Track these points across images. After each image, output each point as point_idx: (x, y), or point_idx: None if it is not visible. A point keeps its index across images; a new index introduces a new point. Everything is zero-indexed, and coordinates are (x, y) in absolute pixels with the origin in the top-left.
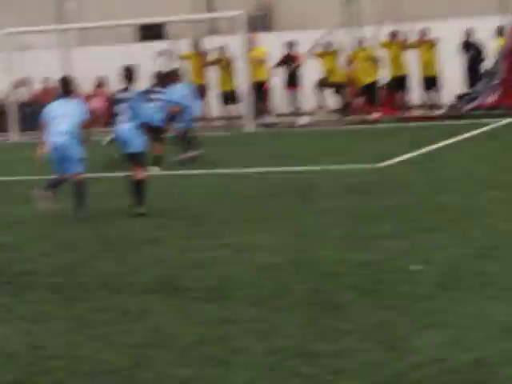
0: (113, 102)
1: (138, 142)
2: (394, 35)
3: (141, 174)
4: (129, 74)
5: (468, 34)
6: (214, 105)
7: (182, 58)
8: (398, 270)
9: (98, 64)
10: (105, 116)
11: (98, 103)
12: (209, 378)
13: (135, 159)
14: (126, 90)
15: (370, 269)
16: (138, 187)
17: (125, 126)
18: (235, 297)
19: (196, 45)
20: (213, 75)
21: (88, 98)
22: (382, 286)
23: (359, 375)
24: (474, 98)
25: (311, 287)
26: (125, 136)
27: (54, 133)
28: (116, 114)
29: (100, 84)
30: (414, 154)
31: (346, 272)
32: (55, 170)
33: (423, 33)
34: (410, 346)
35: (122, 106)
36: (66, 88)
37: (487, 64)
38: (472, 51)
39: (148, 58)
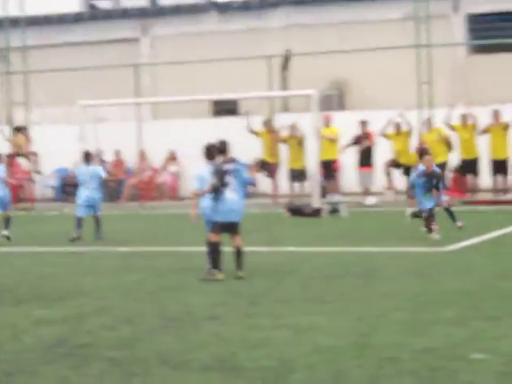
0: (219, 173)
1: (242, 212)
2: (465, 118)
3: (240, 241)
4: (223, 147)
5: None
6: (283, 182)
7: (255, 134)
8: (459, 358)
9: (170, 138)
10: (174, 189)
11: (168, 176)
12: None
13: (237, 228)
14: (229, 161)
15: (431, 355)
16: (238, 253)
17: (233, 196)
18: (293, 379)
19: (267, 123)
20: (284, 152)
21: (159, 170)
22: (441, 374)
23: None
24: None
25: (370, 372)
26: (234, 206)
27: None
28: (223, 185)
29: (171, 157)
30: (480, 238)
31: (406, 358)
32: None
33: (495, 116)
34: None
35: (228, 178)
36: (211, 154)
37: None
38: None
39: (220, 133)
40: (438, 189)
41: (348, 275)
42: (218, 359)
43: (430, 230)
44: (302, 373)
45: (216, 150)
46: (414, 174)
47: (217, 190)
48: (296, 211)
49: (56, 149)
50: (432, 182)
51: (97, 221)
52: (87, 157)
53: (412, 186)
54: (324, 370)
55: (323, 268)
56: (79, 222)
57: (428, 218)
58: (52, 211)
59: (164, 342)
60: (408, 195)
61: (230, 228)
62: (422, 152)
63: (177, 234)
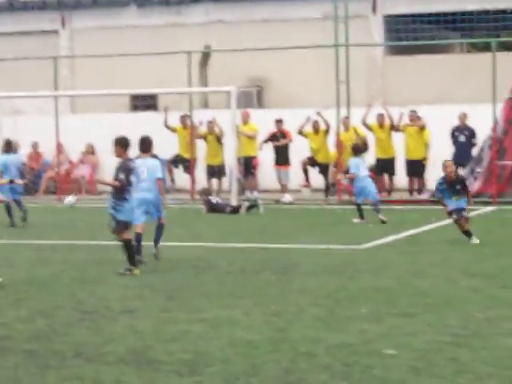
0: (127, 171)
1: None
2: (381, 118)
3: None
4: (146, 143)
5: (461, 118)
6: (200, 178)
7: (170, 129)
8: (373, 354)
9: (88, 131)
10: (91, 183)
11: (86, 170)
12: None
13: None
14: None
15: (345, 351)
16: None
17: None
18: (208, 372)
19: (183, 119)
20: (201, 148)
21: (76, 164)
22: (355, 369)
23: None
24: None
25: (284, 366)
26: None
27: (141, 188)
28: (129, 184)
29: (89, 151)
30: (396, 237)
31: (321, 353)
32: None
33: (411, 116)
34: None
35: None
36: (145, 147)
37: (474, 151)
38: (464, 135)
39: (138, 128)
40: (462, 193)
41: (265, 271)
42: (133, 352)
43: (467, 234)
44: (217, 366)
45: (147, 144)
46: (437, 182)
47: (123, 188)
48: (215, 210)
49: None
50: (455, 187)
51: (19, 205)
52: (8, 145)
53: (437, 193)
54: (239, 364)
55: (241, 263)
56: (7, 208)
57: (457, 221)
58: None
59: (80, 334)
60: (440, 202)
61: (124, 225)
62: (356, 148)
63: (94, 227)
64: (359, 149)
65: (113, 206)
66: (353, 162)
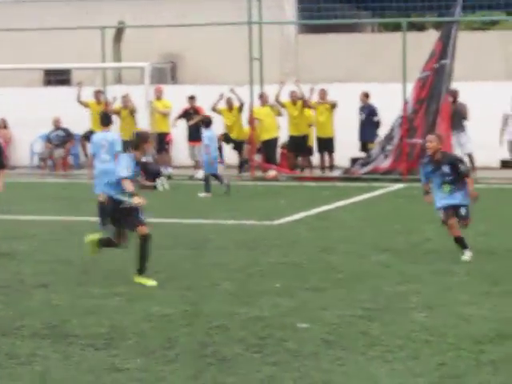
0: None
1: None
2: (294, 95)
3: None
4: (107, 117)
5: (362, 97)
6: None
7: (83, 105)
8: (286, 327)
9: (0, 106)
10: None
11: None
12: None
13: None
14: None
15: (259, 324)
16: None
17: (110, 166)
18: (124, 346)
19: (96, 95)
20: (115, 124)
21: None
22: (269, 342)
23: None
24: (369, 162)
25: (199, 340)
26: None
27: (102, 160)
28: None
29: (1, 125)
30: (308, 213)
31: (235, 326)
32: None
33: (321, 94)
34: None
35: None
36: (106, 121)
37: (384, 129)
38: (364, 114)
39: (51, 103)
40: (457, 179)
41: (178, 246)
42: (48, 326)
43: (461, 244)
44: (133, 339)
45: (108, 118)
46: (421, 163)
47: None
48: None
49: None
50: (442, 169)
51: None
52: None
53: (422, 177)
54: (155, 338)
55: (155, 238)
56: None
57: (447, 224)
58: None
59: None
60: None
61: None
62: (207, 122)
63: (5, 202)
64: (210, 122)
65: None
66: (207, 135)
